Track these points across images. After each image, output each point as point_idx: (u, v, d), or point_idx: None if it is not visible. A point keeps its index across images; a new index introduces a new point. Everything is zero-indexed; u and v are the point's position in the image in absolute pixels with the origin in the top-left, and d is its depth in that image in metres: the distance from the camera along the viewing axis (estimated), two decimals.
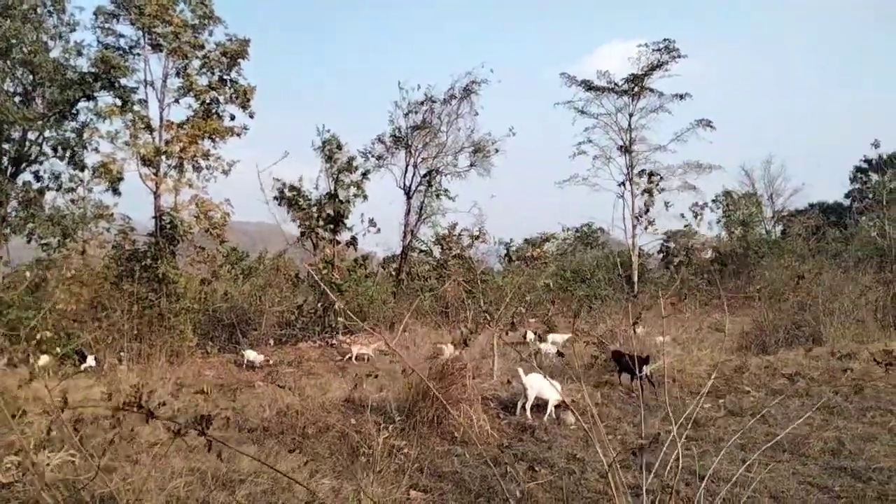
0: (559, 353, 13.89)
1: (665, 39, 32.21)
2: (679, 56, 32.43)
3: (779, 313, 14.37)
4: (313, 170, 25.32)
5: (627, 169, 33.32)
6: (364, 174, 23.76)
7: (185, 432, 2.57)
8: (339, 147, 22.92)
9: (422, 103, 27.24)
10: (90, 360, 12.98)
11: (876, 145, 30.14)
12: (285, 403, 8.44)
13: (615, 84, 33.37)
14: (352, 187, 23.11)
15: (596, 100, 33.91)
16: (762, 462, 5.68)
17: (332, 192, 22.70)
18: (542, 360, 13.04)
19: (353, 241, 23.60)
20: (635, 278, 31.19)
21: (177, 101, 18.99)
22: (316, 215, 22.57)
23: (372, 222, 23.71)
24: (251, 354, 15.45)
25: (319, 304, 20.83)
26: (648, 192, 32.56)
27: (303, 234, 23.05)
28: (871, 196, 34.47)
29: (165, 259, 16.99)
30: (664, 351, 10.87)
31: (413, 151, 27.73)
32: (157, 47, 18.47)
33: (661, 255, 38.99)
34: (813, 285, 14.33)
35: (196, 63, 18.94)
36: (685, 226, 37.31)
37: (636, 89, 33.13)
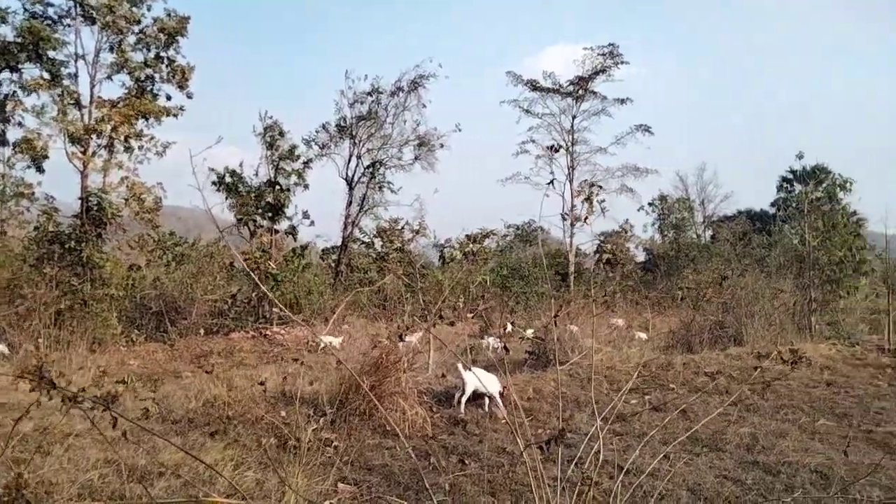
0: (505, 349, 13.97)
1: (610, 44, 33.07)
2: (622, 62, 33.33)
3: (704, 314, 14.96)
4: (247, 156, 24.66)
5: (568, 169, 34.05)
6: (306, 163, 23.23)
7: (81, 401, 2.40)
8: (282, 134, 22.36)
9: (369, 94, 27.03)
10: (2, 347, 12.24)
11: (800, 157, 31.74)
12: (212, 394, 8.22)
13: (560, 85, 34.01)
14: (293, 175, 22.61)
15: (541, 100, 34.51)
16: (681, 456, 5.91)
17: (273, 179, 22.16)
18: (480, 353, 13.12)
19: (292, 231, 23.11)
20: (571, 277, 31.90)
21: (109, 77, 18.12)
22: (255, 203, 21.98)
23: (306, 214, 22.88)
24: (329, 339, 13.84)
25: (254, 294, 20.34)
26: (588, 200, 33.28)
27: (240, 221, 22.41)
28: (794, 205, 36.29)
29: (91, 242, 16.23)
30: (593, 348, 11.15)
31: (357, 142, 27.49)
32: (89, 19, 17.58)
33: (596, 256, 40.02)
34: (736, 288, 14.98)
35: (131, 38, 18.12)
36: (621, 227, 38.39)
37: (580, 91, 33.86)
